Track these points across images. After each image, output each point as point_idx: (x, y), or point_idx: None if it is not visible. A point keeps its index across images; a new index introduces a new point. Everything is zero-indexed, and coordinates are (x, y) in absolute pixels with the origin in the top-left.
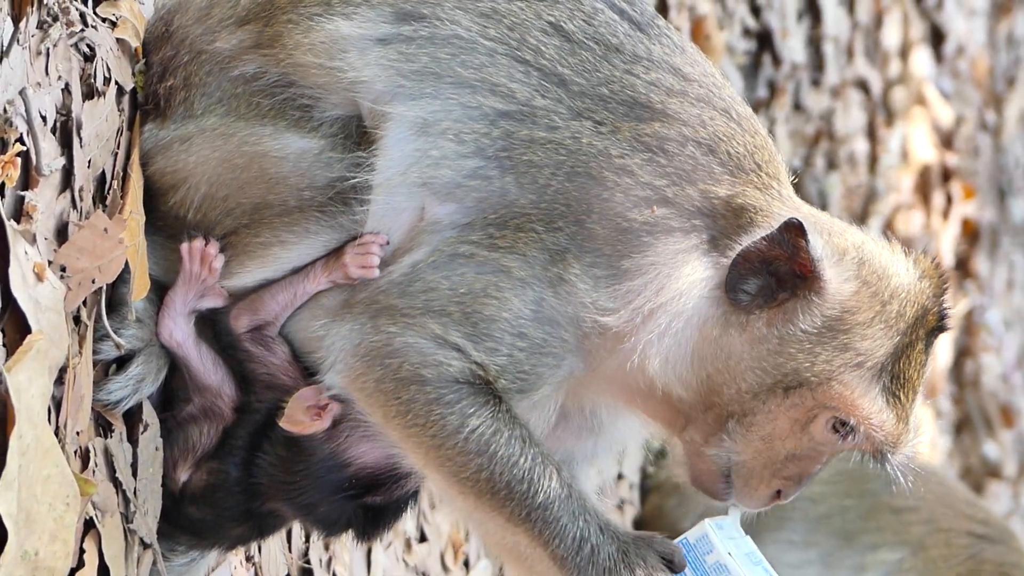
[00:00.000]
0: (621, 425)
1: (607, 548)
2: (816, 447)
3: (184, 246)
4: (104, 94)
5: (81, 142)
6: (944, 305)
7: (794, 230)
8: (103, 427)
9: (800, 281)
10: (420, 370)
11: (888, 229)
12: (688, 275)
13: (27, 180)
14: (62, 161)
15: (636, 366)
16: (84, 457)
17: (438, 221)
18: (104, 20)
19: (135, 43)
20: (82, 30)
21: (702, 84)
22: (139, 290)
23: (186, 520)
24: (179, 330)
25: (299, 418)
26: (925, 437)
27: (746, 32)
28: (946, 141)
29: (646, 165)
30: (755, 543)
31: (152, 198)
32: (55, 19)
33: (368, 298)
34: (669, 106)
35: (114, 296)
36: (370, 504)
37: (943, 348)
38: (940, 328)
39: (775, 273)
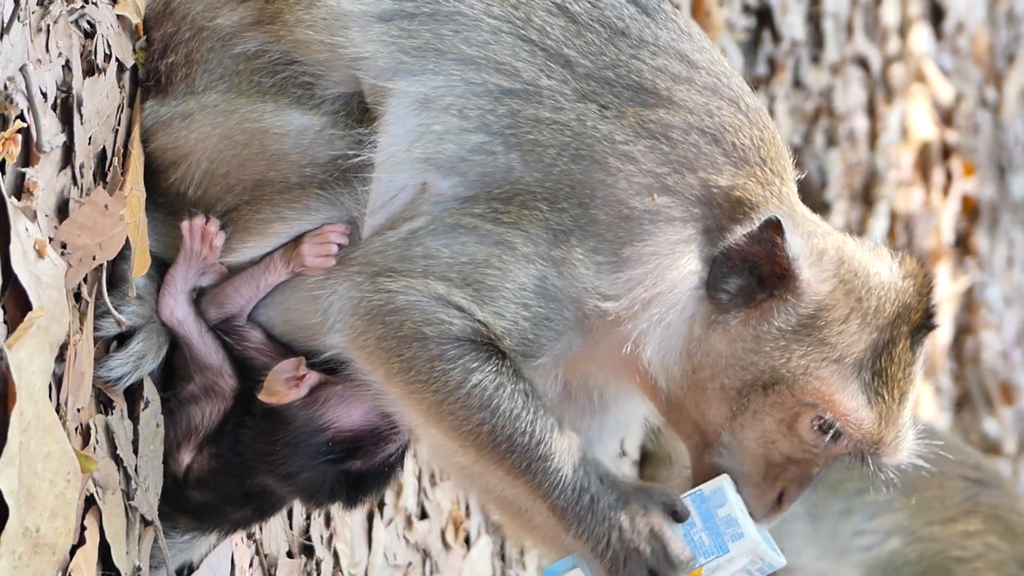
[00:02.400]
0: (626, 405)
1: (607, 497)
2: (808, 449)
3: (185, 223)
4: (105, 71)
5: (82, 119)
6: (930, 303)
7: (773, 228)
8: (104, 404)
9: (778, 281)
10: (422, 327)
11: (888, 206)
12: (683, 267)
13: (28, 157)
14: (63, 138)
15: (631, 351)
16: (85, 434)
17: (440, 193)
18: None
19: (136, 20)
20: (82, 7)
21: (710, 72)
22: (140, 267)
23: (188, 503)
24: (180, 308)
25: (277, 389)
26: (912, 444)
27: (746, 9)
28: (946, 118)
29: (649, 152)
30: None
31: (153, 175)
32: None
33: (363, 257)
34: (675, 93)
35: (115, 273)
36: (352, 470)
37: (943, 325)
38: (926, 326)
39: (756, 273)
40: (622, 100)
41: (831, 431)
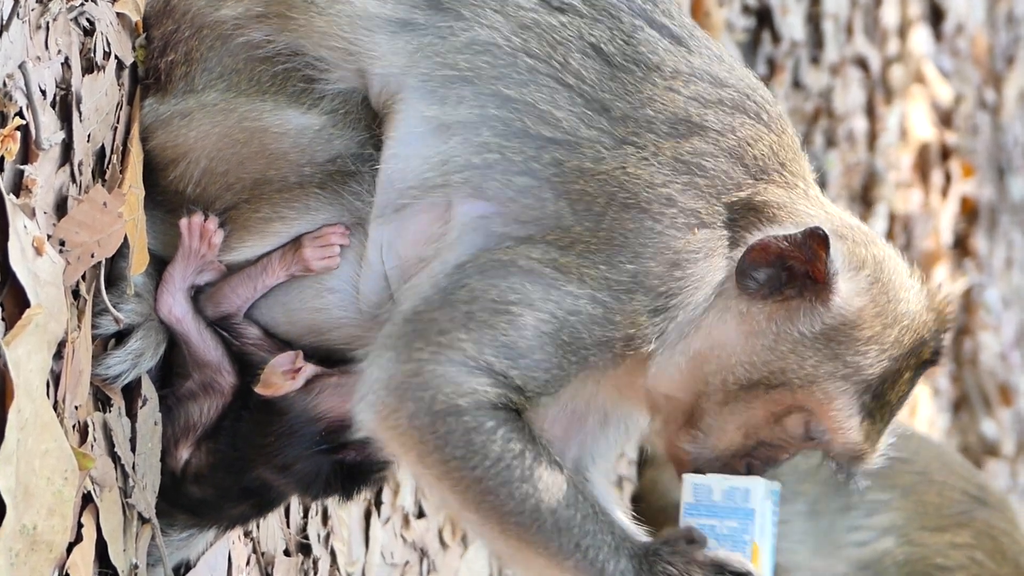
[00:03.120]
0: (628, 413)
1: (645, 566)
2: (785, 439)
3: (183, 221)
4: (104, 68)
5: (81, 116)
6: (941, 342)
7: (818, 240)
8: (102, 401)
9: (810, 283)
10: (456, 400)
11: (888, 207)
12: (709, 283)
13: (26, 154)
14: (61, 135)
15: (651, 371)
16: (83, 431)
17: (471, 224)
18: None
19: (135, 17)
20: (82, 4)
21: (737, 88)
22: (138, 264)
23: (186, 499)
24: (178, 305)
25: (274, 381)
26: (882, 458)
27: (746, 9)
28: (945, 119)
29: (686, 190)
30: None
31: (152, 173)
32: None
33: (412, 310)
34: (707, 118)
35: (113, 270)
36: (346, 460)
37: None
38: (931, 363)
39: (788, 271)
40: (659, 135)
41: (817, 433)
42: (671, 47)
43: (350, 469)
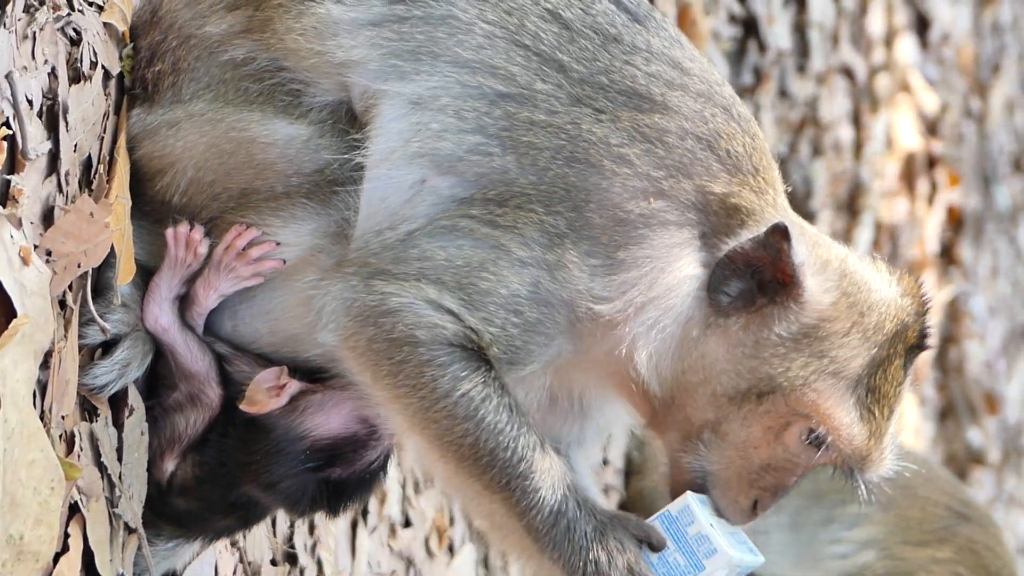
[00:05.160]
0: (607, 411)
1: (583, 526)
2: (790, 458)
3: (169, 231)
4: (91, 78)
5: (67, 126)
6: (925, 324)
7: (779, 234)
8: (88, 411)
9: (780, 288)
10: (414, 331)
11: (874, 216)
12: (679, 270)
13: (13, 164)
14: (48, 145)
15: (624, 355)
16: (69, 441)
17: (438, 193)
18: (91, 4)
19: (122, 27)
20: (69, 14)
21: (702, 79)
22: (125, 274)
23: (172, 511)
24: (164, 315)
25: (258, 398)
26: (894, 461)
27: (732, 18)
28: (931, 128)
29: (644, 156)
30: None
31: (139, 183)
32: (42, 3)
33: (360, 259)
34: (669, 99)
35: (100, 280)
36: (331, 478)
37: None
38: (920, 347)
39: (758, 279)
40: (616, 105)
41: (820, 444)
42: (628, 23)
43: (336, 486)
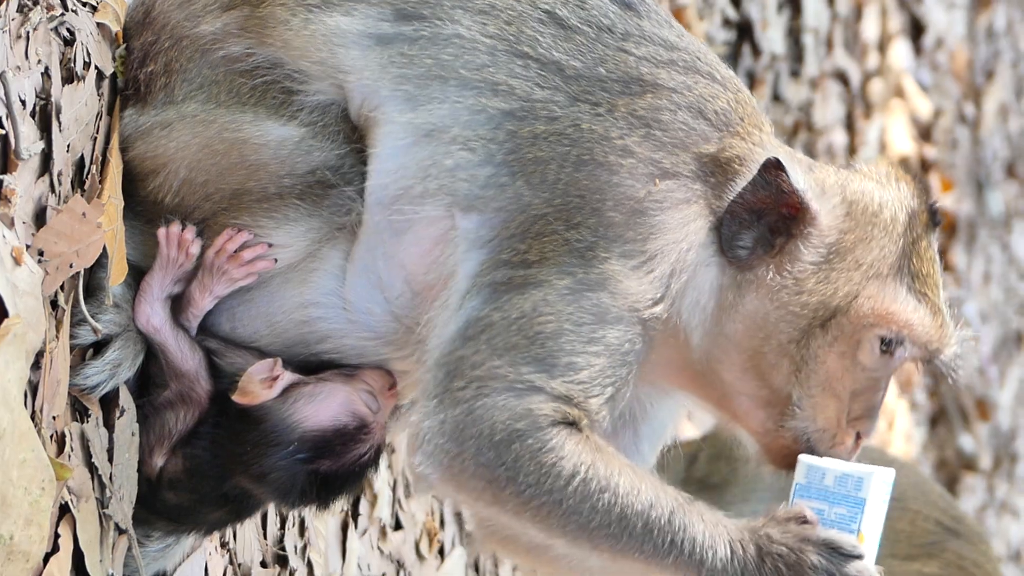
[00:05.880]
0: (665, 405)
1: (748, 548)
2: (871, 375)
3: (161, 231)
4: (84, 78)
5: (60, 126)
6: (930, 200)
7: (773, 168)
8: (79, 412)
9: (792, 222)
10: (514, 425)
11: None
12: (698, 243)
13: (6, 164)
14: (41, 145)
15: (682, 345)
16: (60, 442)
17: (467, 237)
18: (84, 4)
19: (116, 28)
20: (62, 14)
21: (688, 51)
22: (117, 275)
23: (163, 505)
24: (156, 315)
25: (251, 390)
26: (967, 331)
27: (726, 22)
28: (924, 133)
29: (644, 141)
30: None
31: (131, 183)
32: (35, 3)
33: (440, 354)
34: (659, 76)
35: (92, 281)
36: (320, 470)
37: None
38: (933, 222)
39: (767, 221)
40: (613, 94)
41: (895, 346)
42: (620, 11)
43: (325, 478)
